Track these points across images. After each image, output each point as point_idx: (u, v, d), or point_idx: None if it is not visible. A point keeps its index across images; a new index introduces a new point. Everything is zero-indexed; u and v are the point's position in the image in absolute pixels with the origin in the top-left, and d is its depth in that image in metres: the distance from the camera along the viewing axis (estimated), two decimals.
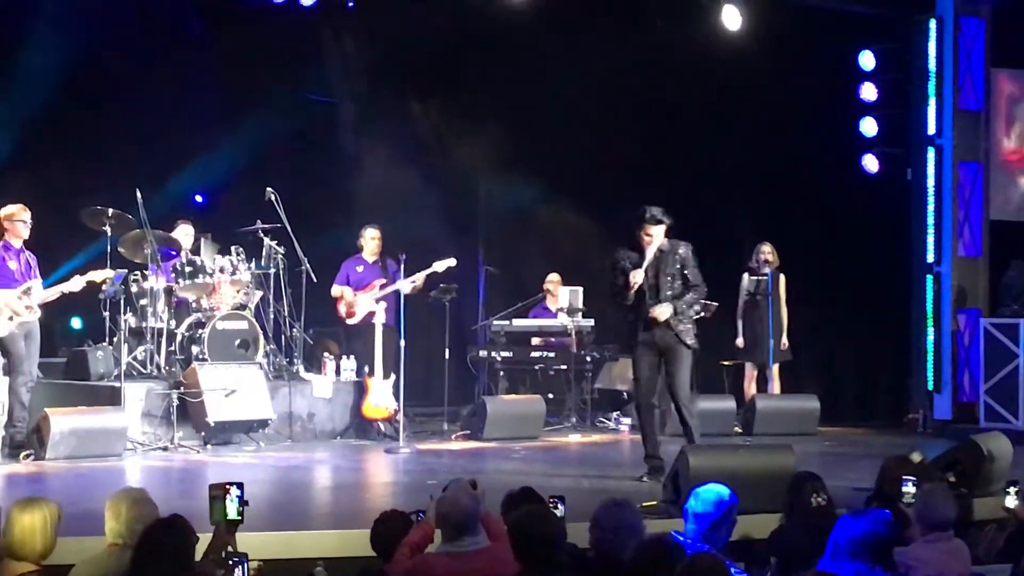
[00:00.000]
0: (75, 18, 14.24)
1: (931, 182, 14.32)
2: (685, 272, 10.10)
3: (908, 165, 14.54)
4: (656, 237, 10.03)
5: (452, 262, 13.18)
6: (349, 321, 13.23)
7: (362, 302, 13.09)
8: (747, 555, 6.53)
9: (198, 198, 16.00)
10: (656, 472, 9.72)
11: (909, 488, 6.72)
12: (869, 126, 14.53)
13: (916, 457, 7.86)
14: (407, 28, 14.98)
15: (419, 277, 12.91)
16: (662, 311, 9.92)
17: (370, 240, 13.39)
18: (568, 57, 14.66)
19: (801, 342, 14.25)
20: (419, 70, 15.44)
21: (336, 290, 13.31)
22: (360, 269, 13.33)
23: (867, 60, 14.56)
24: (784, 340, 13.81)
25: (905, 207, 14.63)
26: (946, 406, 14.00)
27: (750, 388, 13.85)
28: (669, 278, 10.04)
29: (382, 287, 13.07)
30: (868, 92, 14.55)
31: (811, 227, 14.74)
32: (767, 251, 13.77)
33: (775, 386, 13.77)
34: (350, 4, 16.07)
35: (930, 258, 14.31)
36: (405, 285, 12.67)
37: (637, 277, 9.91)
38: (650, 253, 9.98)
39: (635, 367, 10.24)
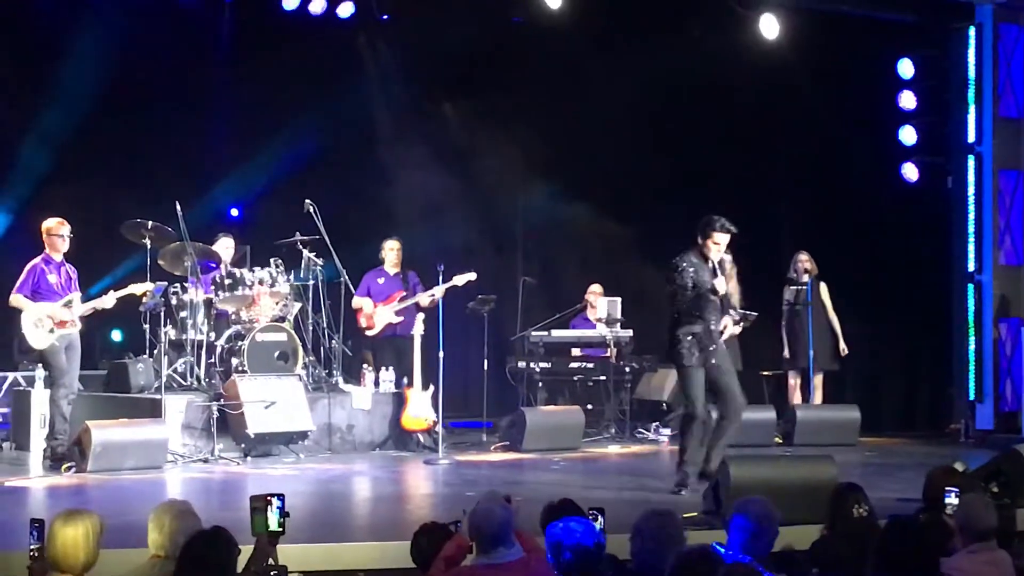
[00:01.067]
0: (113, 33, 14.34)
1: (971, 190, 14.24)
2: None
3: (948, 173, 14.47)
4: (723, 247, 9.93)
5: (472, 276, 13.24)
6: (368, 332, 13.28)
7: (381, 314, 13.13)
8: (788, 566, 6.49)
9: (234, 212, 16.09)
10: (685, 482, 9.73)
11: (952, 499, 6.66)
12: (909, 135, 14.47)
13: (959, 467, 7.80)
14: (443, 39, 14.99)
15: (439, 290, 12.92)
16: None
17: (389, 251, 13.45)
18: (606, 66, 14.65)
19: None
20: (456, 80, 15.47)
21: (356, 302, 13.35)
22: (381, 281, 13.38)
23: (906, 68, 14.51)
24: (842, 346, 13.74)
25: (945, 216, 14.55)
26: (988, 416, 13.90)
27: (794, 398, 13.78)
28: (727, 292, 9.95)
29: (402, 299, 13.11)
30: (907, 100, 14.49)
31: (851, 236, 14.67)
32: (804, 260, 13.71)
33: (818, 395, 13.70)
34: (384, 17, 16.14)
35: (971, 267, 14.22)
36: (424, 297, 12.74)
37: (721, 286, 9.82)
38: (716, 258, 9.86)
39: (692, 380, 9.87)
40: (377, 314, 13.18)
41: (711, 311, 9.86)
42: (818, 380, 13.68)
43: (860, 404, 13.48)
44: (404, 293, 13.15)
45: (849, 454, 11.82)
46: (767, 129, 14.85)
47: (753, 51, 13.97)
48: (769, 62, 13.90)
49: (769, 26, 13.82)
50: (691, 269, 9.79)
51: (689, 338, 9.79)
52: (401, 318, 12.98)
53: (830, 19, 14.15)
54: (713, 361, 9.79)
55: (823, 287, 13.79)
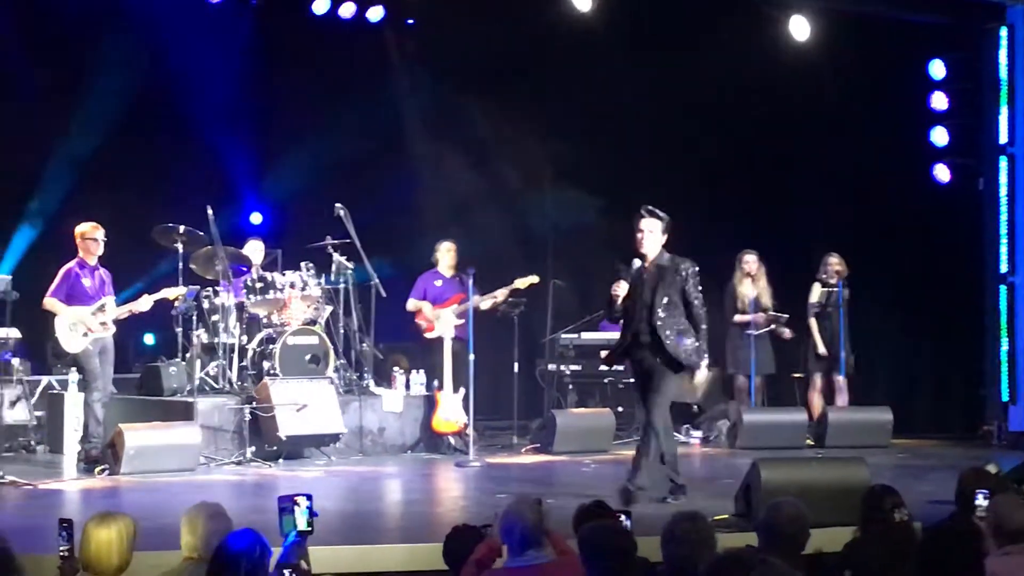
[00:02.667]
0: (143, 39, 14.44)
1: (1003, 191, 14.18)
2: (687, 292, 9.21)
3: (980, 175, 14.41)
4: (650, 233, 9.21)
5: (534, 279, 13.18)
6: (428, 335, 13.23)
7: (443, 316, 13.08)
8: (819, 569, 6.47)
9: (256, 218, 16.16)
10: (678, 492, 9.23)
11: (981, 501, 6.63)
12: (940, 136, 14.42)
13: (991, 469, 7.76)
14: (472, 42, 15.03)
15: (500, 293, 12.93)
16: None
17: (446, 253, 13.42)
18: (635, 68, 14.63)
19: (874, 354, 14.13)
20: (485, 83, 15.47)
21: (413, 304, 13.30)
22: (438, 283, 13.34)
23: (937, 69, 14.45)
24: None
25: (977, 217, 14.49)
26: (1021, 417, 13.83)
27: (814, 399, 13.72)
28: (665, 298, 9.14)
29: (461, 302, 13.05)
30: (939, 101, 14.43)
31: (882, 237, 14.61)
32: (835, 262, 13.67)
33: (844, 397, 13.65)
34: (409, 21, 16.19)
35: (1003, 268, 14.16)
36: (485, 301, 12.70)
37: (619, 290, 9.16)
38: (650, 251, 9.18)
39: (636, 384, 9.67)
40: (439, 316, 13.14)
41: (628, 316, 9.33)
42: (843, 383, 13.62)
43: (892, 406, 13.43)
44: (463, 296, 13.12)
45: (881, 456, 11.80)
46: (797, 131, 14.80)
47: (783, 53, 13.92)
48: (800, 64, 13.85)
49: (799, 28, 13.78)
50: (620, 272, 9.33)
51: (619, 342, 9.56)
52: (463, 321, 12.92)
53: (860, 21, 14.11)
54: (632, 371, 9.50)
55: (846, 292, 13.74)
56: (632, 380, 9.83)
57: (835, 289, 13.60)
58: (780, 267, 14.05)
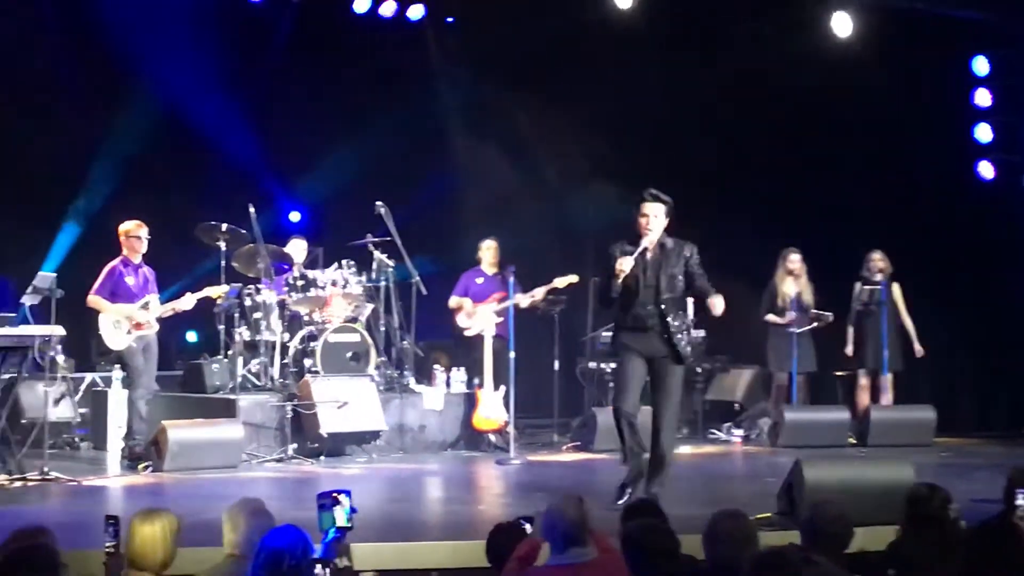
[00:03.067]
0: (182, 38, 14.49)
1: None
2: (691, 273, 9.04)
3: None
4: (655, 218, 8.92)
5: (574, 278, 13.16)
6: (467, 332, 13.27)
7: (482, 313, 13.11)
8: (863, 567, 6.44)
9: (295, 216, 16.21)
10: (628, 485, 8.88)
11: (1021, 501, 6.56)
12: (984, 132, 14.33)
13: None
14: (513, 39, 15.03)
15: (539, 292, 12.93)
16: (718, 303, 8.98)
17: (487, 251, 13.46)
18: (676, 65, 14.61)
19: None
20: (525, 81, 15.47)
21: (455, 301, 13.36)
22: (480, 281, 13.39)
23: (981, 66, 14.36)
24: (917, 347, 13.59)
25: (1021, 213, 14.37)
26: None
27: (862, 397, 13.67)
28: (669, 278, 8.93)
29: (501, 300, 13.08)
30: (982, 98, 14.34)
31: (926, 234, 14.52)
32: (878, 259, 13.57)
33: (888, 396, 13.58)
34: (449, 19, 16.20)
35: None
36: (524, 299, 12.70)
37: (625, 265, 8.76)
38: (652, 237, 8.90)
39: (618, 373, 9.20)
40: (478, 314, 13.17)
41: (627, 298, 8.95)
42: (888, 381, 13.55)
43: (935, 404, 13.35)
44: (504, 294, 13.15)
45: (925, 455, 11.71)
46: (839, 128, 14.72)
47: (825, 49, 13.87)
48: (842, 60, 13.78)
49: (842, 24, 13.73)
50: (618, 254, 8.90)
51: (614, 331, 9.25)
52: (502, 319, 12.94)
53: (903, 16, 14.02)
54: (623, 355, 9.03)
55: (896, 287, 13.66)
56: (615, 367, 9.23)
57: (878, 287, 13.51)
58: (823, 265, 13.97)
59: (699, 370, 14.08)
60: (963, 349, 14.88)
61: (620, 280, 8.81)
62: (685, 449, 12.99)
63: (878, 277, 13.54)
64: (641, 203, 8.96)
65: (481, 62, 15.68)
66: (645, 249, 8.91)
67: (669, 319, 8.92)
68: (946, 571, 5.53)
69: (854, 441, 12.95)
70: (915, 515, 6.37)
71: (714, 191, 15.11)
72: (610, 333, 13.15)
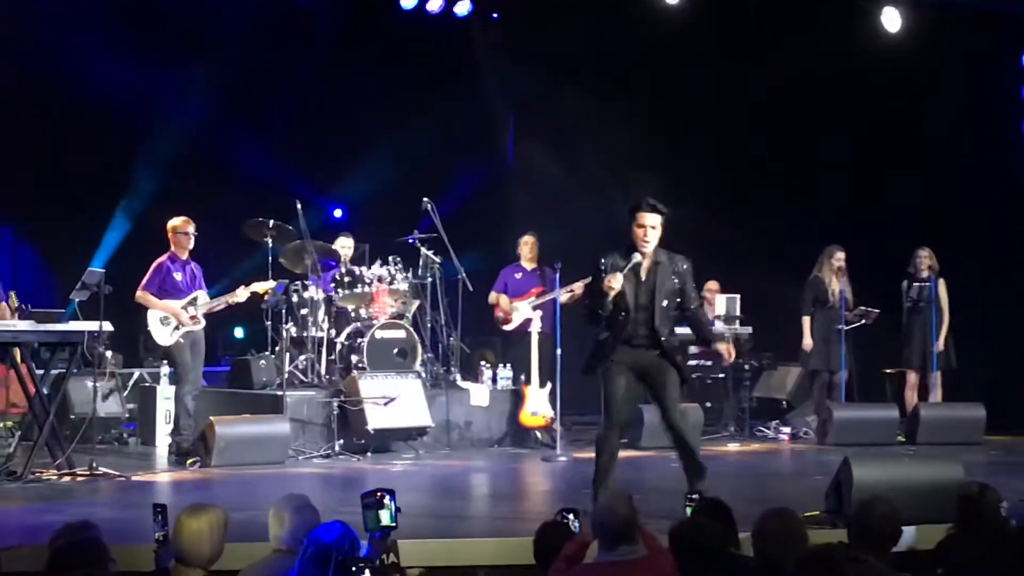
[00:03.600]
0: (231, 35, 14.57)
1: None
2: (685, 291, 8.44)
3: None
4: (652, 230, 8.27)
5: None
6: (505, 328, 13.29)
7: (520, 309, 13.13)
8: (913, 566, 6.39)
9: (337, 212, 16.25)
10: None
11: None
12: None
13: None
14: (559, 34, 15.02)
15: (577, 286, 12.89)
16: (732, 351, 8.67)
17: (524, 245, 13.46)
18: (723, 61, 14.56)
19: (966, 349, 13.92)
20: (571, 76, 15.45)
21: (493, 297, 13.39)
22: (518, 276, 13.40)
23: None
24: (940, 344, 13.48)
25: None
26: None
27: (912, 396, 13.58)
28: (664, 296, 8.31)
29: (539, 295, 13.11)
30: None
31: (974, 232, 14.39)
32: (925, 256, 13.47)
33: (937, 394, 13.47)
34: (494, 15, 16.20)
35: None
36: (563, 294, 12.67)
37: (615, 282, 8.13)
38: (647, 250, 8.26)
39: (608, 386, 8.46)
40: (516, 309, 13.18)
41: (615, 317, 8.33)
42: (938, 378, 13.45)
43: (985, 402, 13.23)
44: (541, 288, 13.15)
45: (974, 453, 11.61)
46: (886, 124, 14.63)
47: (873, 45, 13.79)
48: (889, 55, 13.71)
49: (891, 19, 13.65)
50: (603, 265, 8.30)
51: (596, 346, 8.56)
52: (540, 313, 12.95)
53: (952, 12, 13.91)
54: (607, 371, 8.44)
55: (942, 284, 13.55)
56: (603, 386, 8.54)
57: (926, 284, 13.41)
58: (871, 263, 13.87)
59: (746, 367, 14.01)
60: (1012, 346, 14.73)
61: (610, 298, 8.20)
62: (732, 446, 12.98)
63: (925, 274, 13.43)
64: (638, 212, 8.26)
65: (527, 57, 15.67)
66: (638, 264, 8.30)
67: (663, 339, 8.38)
68: (996, 570, 5.49)
69: (903, 439, 12.86)
70: (966, 513, 6.32)
71: (760, 186, 15.05)
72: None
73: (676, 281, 8.39)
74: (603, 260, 8.34)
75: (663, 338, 8.39)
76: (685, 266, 8.44)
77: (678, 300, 8.43)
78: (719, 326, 14.00)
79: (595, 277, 8.40)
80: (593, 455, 8.70)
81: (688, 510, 6.34)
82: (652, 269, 8.33)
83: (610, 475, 8.48)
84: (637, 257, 8.26)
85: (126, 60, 14.66)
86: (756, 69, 14.36)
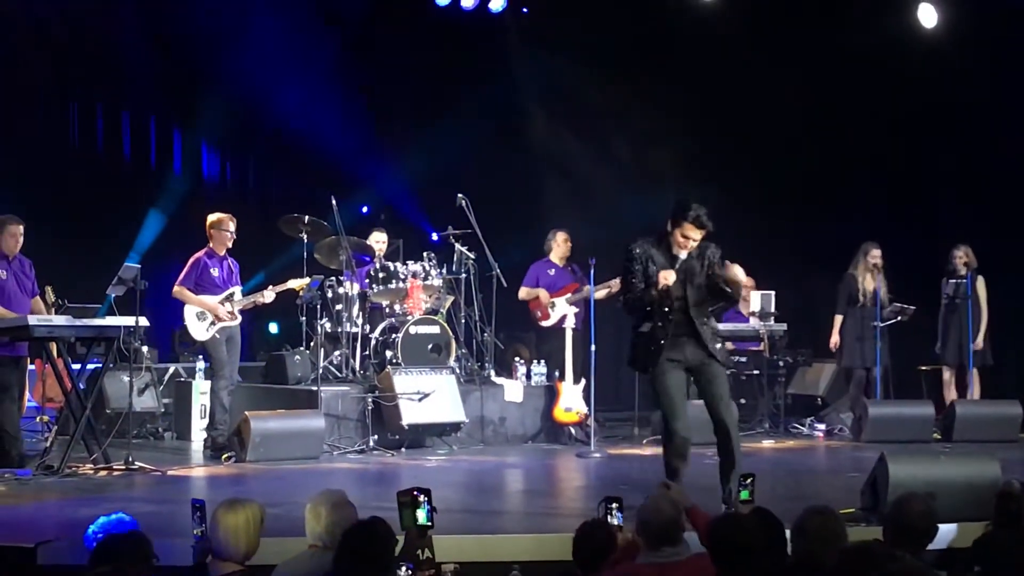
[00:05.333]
0: (265, 31, 14.65)
1: None
2: (713, 274, 8.48)
3: None
4: (694, 242, 8.42)
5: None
6: (544, 324, 13.28)
7: (559, 305, 13.12)
8: (949, 564, 6.36)
9: (364, 209, 16.29)
10: None
11: None
12: None
13: None
14: (593, 29, 15.00)
15: (614, 283, 12.87)
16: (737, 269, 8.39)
17: (563, 243, 13.45)
18: (760, 55, 14.52)
19: (1003, 346, 13.83)
20: (605, 72, 15.42)
21: (528, 292, 13.37)
22: (552, 272, 13.39)
23: None
24: (979, 342, 13.40)
25: None
26: None
27: (948, 393, 13.52)
28: (697, 288, 8.42)
29: (575, 291, 13.11)
30: None
31: (1014, 228, 14.29)
32: (961, 254, 13.40)
33: (975, 391, 13.40)
34: (524, 10, 16.20)
35: None
36: (600, 291, 12.66)
37: (669, 278, 8.27)
38: (683, 255, 8.42)
39: (662, 387, 8.50)
40: (555, 305, 13.17)
41: (655, 309, 8.42)
42: (975, 375, 13.38)
43: (1022, 399, 13.14)
44: (577, 285, 13.15)
45: (1010, 451, 11.52)
46: (926, 120, 14.55)
47: (913, 40, 13.72)
48: (929, 51, 13.64)
49: (927, 15, 13.60)
50: (642, 256, 8.44)
51: (639, 339, 8.58)
52: (577, 309, 12.94)
53: (987, 7, 13.82)
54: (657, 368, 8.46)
55: (980, 281, 13.47)
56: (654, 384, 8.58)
57: (963, 280, 13.34)
58: (911, 259, 13.80)
59: (781, 363, 13.96)
60: None
61: (658, 292, 8.33)
62: (767, 443, 12.94)
63: (963, 271, 13.36)
64: (685, 222, 8.35)
65: (562, 53, 15.66)
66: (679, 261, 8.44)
67: (702, 330, 8.46)
68: None
69: (939, 436, 12.79)
70: (1005, 511, 6.29)
71: (795, 182, 15.00)
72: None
73: (706, 269, 8.46)
74: (636, 250, 8.47)
75: (702, 329, 8.45)
76: (715, 254, 8.53)
77: (707, 287, 8.47)
78: (753, 322, 13.98)
79: (628, 268, 8.50)
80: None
81: (743, 493, 6.33)
82: (685, 262, 8.47)
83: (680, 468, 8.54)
84: (683, 255, 8.42)
85: (160, 51, 14.79)
86: (790, 61, 14.31)
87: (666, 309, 8.40)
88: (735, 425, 8.61)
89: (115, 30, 14.91)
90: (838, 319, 13.42)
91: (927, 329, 13.55)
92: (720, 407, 8.53)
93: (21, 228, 10.52)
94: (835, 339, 13.46)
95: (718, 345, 8.63)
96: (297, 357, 12.65)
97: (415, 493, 5.56)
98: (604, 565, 5.56)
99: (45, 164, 14.89)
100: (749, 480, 6.41)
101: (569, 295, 13.13)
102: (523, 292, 13.42)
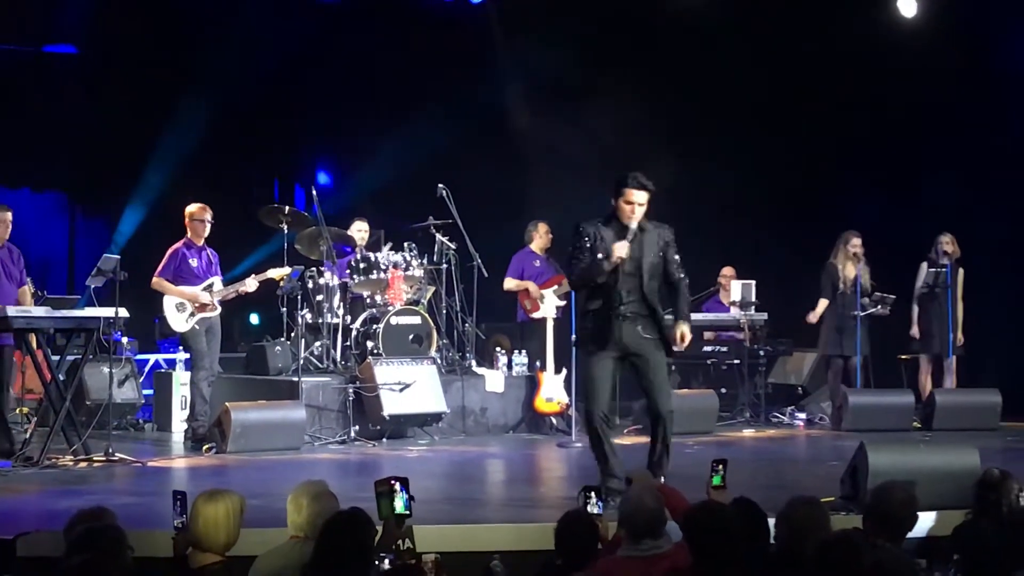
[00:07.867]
0: (250, 22, 14.60)
1: None
2: (667, 259, 8.36)
3: None
4: (640, 206, 8.19)
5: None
6: (533, 315, 13.24)
7: (548, 297, 13.10)
8: (929, 552, 6.39)
9: (322, 178, 16.26)
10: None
11: None
12: None
13: None
14: (577, 18, 14.98)
15: None
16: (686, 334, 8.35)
17: (544, 234, 13.45)
18: (745, 45, 14.56)
19: (981, 334, 13.86)
20: (589, 62, 15.41)
21: (515, 283, 13.31)
22: (537, 264, 13.37)
23: None
24: (960, 334, 13.44)
25: None
26: None
27: (926, 381, 13.54)
28: (650, 265, 8.25)
29: (562, 283, 13.08)
30: None
31: (992, 215, 14.32)
32: (946, 241, 13.39)
33: (952, 379, 13.44)
34: None
35: None
36: None
37: (621, 250, 8.08)
38: (634, 226, 8.18)
39: (590, 370, 8.39)
40: (544, 297, 13.16)
41: (607, 286, 8.22)
42: (952, 364, 13.41)
43: (1001, 388, 13.19)
44: (561, 277, 13.14)
45: (990, 439, 11.58)
46: (912, 109, 14.57)
47: (897, 29, 13.78)
48: (913, 40, 13.68)
49: (906, 5, 13.67)
50: (590, 233, 8.25)
51: (587, 318, 8.42)
52: (564, 302, 12.94)
53: None
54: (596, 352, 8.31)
55: (960, 272, 13.49)
56: (583, 365, 8.55)
57: (943, 269, 13.35)
58: (893, 248, 13.82)
59: (762, 353, 13.98)
60: None
61: (610, 266, 8.15)
62: (747, 432, 12.97)
63: (945, 260, 13.37)
64: (626, 188, 8.18)
65: (543, 42, 15.61)
66: (633, 232, 8.23)
67: (655, 307, 8.29)
68: (1013, 557, 5.48)
69: (919, 425, 12.84)
70: (984, 499, 6.31)
71: (778, 171, 15.03)
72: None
73: (660, 248, 8.32)
74: (586, 229, 8.30)
75: (655, 306, 8.31)
76: (670, 235, 8.39)
77: (662, 268, 8.35)
78: (734, 312, 14.00)
79: (575, 246, 8.33)
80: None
81: (715, 478, 6.31)
82: (638, 237, 8.27)
83: (611, 448, 8.47)
84: (634, 225, 8.22)
85: (142, 42, 14.74)
86: (778, 53, 14.33)
87: (612, 285, 8.19)
88: (671, 416, 8.42)
89: (104, 21, 14.89)
90: (823, 302, 13.38)
91: (905, 318, 13.56)
92: (660, 397, 8.37)
93: (9, 215, 10.49)
94: (814, 317, 13.40)
95: (668, 327, 8.41)
96: (278, 348, 12.63)
97: (392, 482, 5.55)
98: (589, 560, 5.56)
99: None
100: (720, 465, 6.38)
101: (556, 287, 13.11)
102: (510, 283, 13.36)
